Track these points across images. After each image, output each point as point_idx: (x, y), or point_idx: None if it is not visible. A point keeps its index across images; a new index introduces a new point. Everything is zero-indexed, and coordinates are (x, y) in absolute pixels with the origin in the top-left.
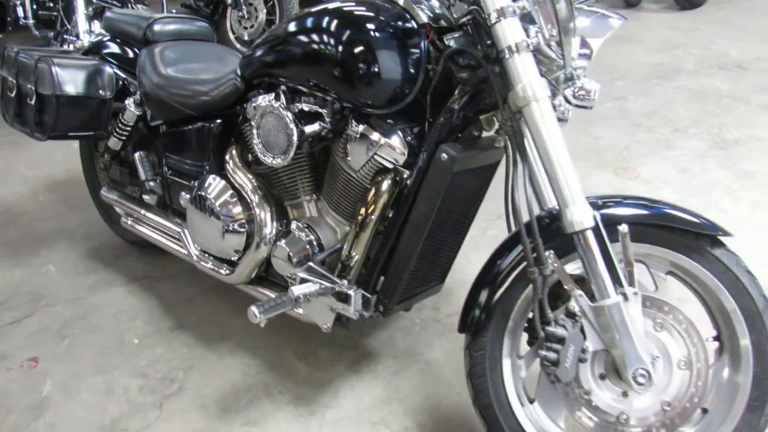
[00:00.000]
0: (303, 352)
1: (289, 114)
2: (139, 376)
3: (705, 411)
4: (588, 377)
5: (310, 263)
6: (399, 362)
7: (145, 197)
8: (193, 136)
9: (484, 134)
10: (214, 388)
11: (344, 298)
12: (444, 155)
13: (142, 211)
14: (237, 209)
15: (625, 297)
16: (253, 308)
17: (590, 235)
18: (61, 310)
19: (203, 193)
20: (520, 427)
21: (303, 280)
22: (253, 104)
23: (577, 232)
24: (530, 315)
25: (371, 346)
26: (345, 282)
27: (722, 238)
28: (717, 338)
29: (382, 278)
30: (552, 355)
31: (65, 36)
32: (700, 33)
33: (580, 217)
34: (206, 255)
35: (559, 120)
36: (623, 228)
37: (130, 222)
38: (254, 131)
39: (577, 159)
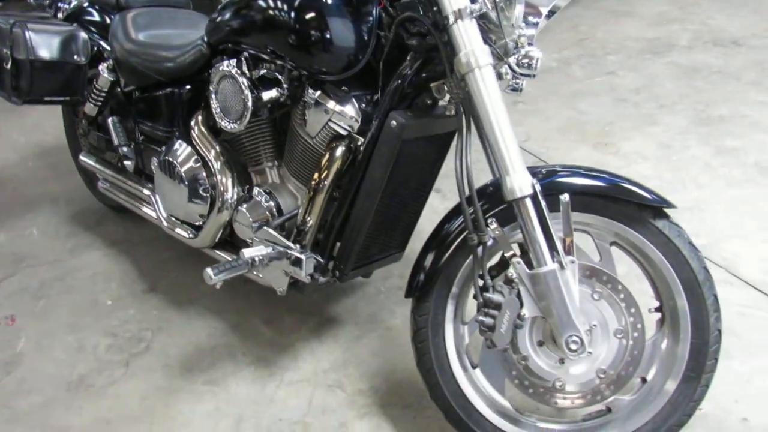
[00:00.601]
0: (268, 317)
1: (245, 80)
2: (109, 335)
3: (644, 381)
4: (526, 343)
5: (265, 227)
6: (360, 328)
7: (126, 163)
8: (163, 102)
9: (442, 103)
10: (179, 348)
11: (296, 262)
12: (393, 122)
13: (117, 176)
14: (201, 175)
15: (562, 265)
16: (209, 270)
17: (528, 203)
18: (40, 271)
19: (170, 159)
20: (461, 391)
21: (258, 244)
22: (213, 70)
23: (516, 200)
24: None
25: (335, 313)
26: (297, 246)
27: (668, 211)
28: (659, 309)
29: (338, 244)
30: (489, 321)
31: (59, 4)
32: (699, 8)
33: (519, 184)
34: (174, 219)
35: (513, 89)
36: (564, 197)
37: (106, 186)
38: (213, 96)
39: (558, 133)
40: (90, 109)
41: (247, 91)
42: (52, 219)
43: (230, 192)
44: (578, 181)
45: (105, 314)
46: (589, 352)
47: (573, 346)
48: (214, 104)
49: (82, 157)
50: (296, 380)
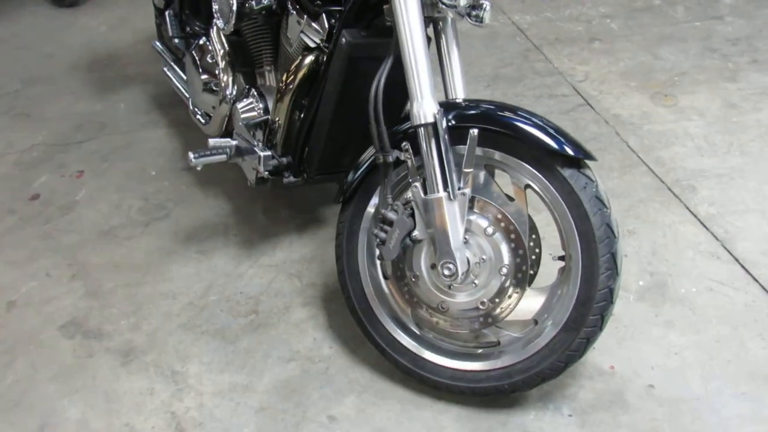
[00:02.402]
0: (268, 207)
1: None
2: (143, 199)
3: (536, 323)
4: (420, 263)
5: (241, 124)
6: None
7: (177, 53)
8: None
9: None
10: (189, 220)
11: (257, 158)
12: (343, 39)
13: (172, 65)
14: (213, 70)
15: (450, 195)
16: (190, 153)
17: (429, 130)
18: (114, 139)
19: (194, 53)
20: (365, 297)
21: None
22: None
23: (418, 126)
24: None
25: (325, 215)
26: (260, 145)
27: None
28: (563, 258)
29: (307, 149)
30: (382, 235)
31: None
32: None
33: (423, 111)
34: (195, 108)
35: (476, 23)
36: (473, 132)
37: (167, 71)
38: None
39: (621, 77)
40: (158, 1)
41: None
42: (138, 96)
43: (230, 89)
44: (488, 117)
45: (146, 182)
46: (474, 283)
47: (446, 272)
48: (214, 5)
49: (153, 43)
50: (267, 264)
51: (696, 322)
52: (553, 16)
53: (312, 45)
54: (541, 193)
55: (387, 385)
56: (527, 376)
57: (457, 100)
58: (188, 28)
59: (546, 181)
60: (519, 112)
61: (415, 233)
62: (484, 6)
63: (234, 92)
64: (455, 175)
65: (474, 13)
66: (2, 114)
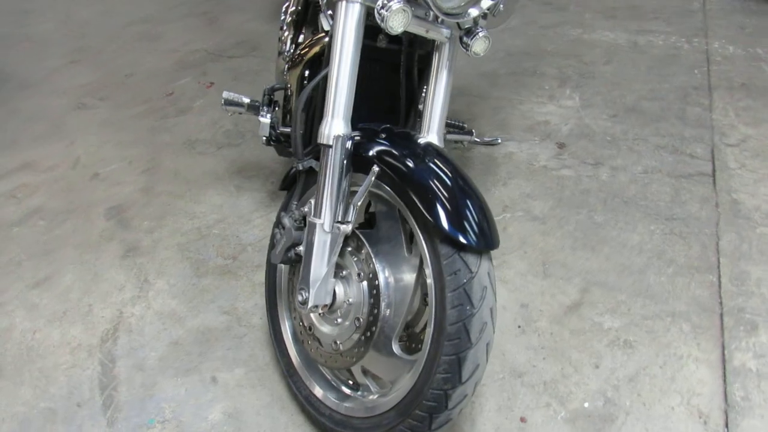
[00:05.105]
0: None
1: None
2: (233, 124)
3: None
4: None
5: (266, 86)
6: None
7: None
8: None
9: None
10: (250, 156)
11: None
12: None
13: None
14: (286, 33)
15: (325, 226)
16: (224, 93)
17: (328, 152)
18: (254, 62)
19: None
20: (274, 285)
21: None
22: None
23: (321, 144)
24: None
25: None
26: (265, 109)
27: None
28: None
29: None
30: (276, 237)
31: None
32: None
33: (328, 131)
34: None
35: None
36: (375, 168)
37: None
38: None
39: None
40: None
41: None
42: None
43: (287, 45)
44: (393, 160)
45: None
46: (337, 321)
47: (299, 297)
48: None
49: None
50: (273, 220)
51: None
52: (765, 54)
53: (327, 28)
54: (424, 255)
55: (275, 377)
56: None
57: (380, 131)
58: None
59: (425, 247)
60: (433, 164)
61: (299, 248)
62: (477, 33)
63: (289, 50)
64: (341, 206)
65: (464, 40)
66: (199, 15)
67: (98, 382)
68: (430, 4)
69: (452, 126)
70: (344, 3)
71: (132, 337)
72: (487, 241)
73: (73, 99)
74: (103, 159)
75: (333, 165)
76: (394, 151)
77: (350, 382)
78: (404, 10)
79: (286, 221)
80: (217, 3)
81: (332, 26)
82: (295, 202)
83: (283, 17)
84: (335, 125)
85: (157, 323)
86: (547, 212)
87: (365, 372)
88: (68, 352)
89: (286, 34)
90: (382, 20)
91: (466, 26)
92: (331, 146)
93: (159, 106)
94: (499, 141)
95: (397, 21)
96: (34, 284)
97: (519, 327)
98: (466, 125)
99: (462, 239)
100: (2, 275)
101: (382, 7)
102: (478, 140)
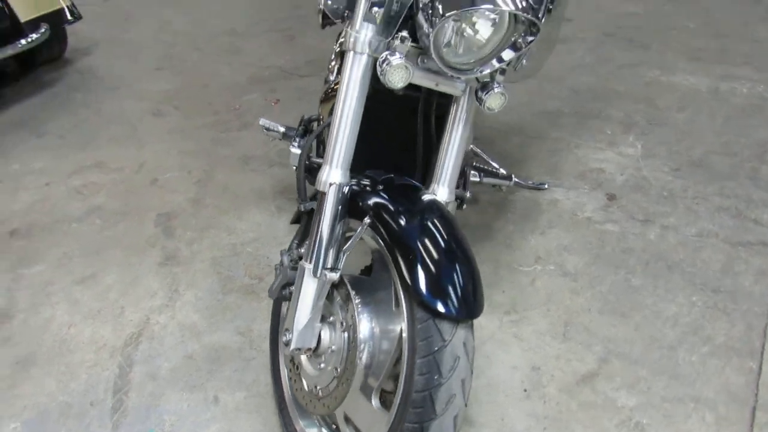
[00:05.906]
0: None
1: None
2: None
3: None
4: None
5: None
6: None
7: None
8: None
9: None
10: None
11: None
12: None
13: None
14: (333, 63)
15: (314, 272)
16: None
17: (323, 199)
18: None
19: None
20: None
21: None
22: None
23: (318, 191)
24: None
25: None
26: (297, 140)
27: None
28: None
29: None
30: (276, 273)
31: None
32: None
33: (325, 178)
34: None
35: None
36: (366, 219)
37: None
38: None
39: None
40: None
41: None
42: None
43: (333, 76)
44: (386, 215)
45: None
46: (320, 366)
47: (284, 338)
48: None
49: None
50: None
51: None
52: None
53: None
54: (403, 315)
55: (271, 406)
56: None
57: (381, 180)
58: None
59: (405, 308)
60: (428, 223)
61: (292, 288)
62: (493, 89)
63: (330, 81)
64: (331, 252)
65: (479, 94)
66: (279, 32)
67: (113, 384)
68: (436, 59)
69: (485, 170)
70: (351, 53)
71: (152, 345)
72: (467, 310)
73: (151, 105)
74: (165, 166)
75: (326, 212)
76: (389, 205)
77: (334, 426)
78: (405, 67)
79: (284, 259)
80: (298, 20)
81: (341, 75)
82: (296, 242)
83: (335, 45)
84: (332, 173)
85: (177, 334)
86: (581, 269)
87: (347, 420)
88: (94, 351)
89: (333, 63)
90: (383, 75)
91: (484, 80)
92: (326, 193)
93: (225, 119)
94: (546, 186)
95: (396, 77)
96: (80, 280)
97: (525, 391)
98: (503, 170)
99: (439, 306)
100: (55, 267)
101: (383, 62)
102: (522, 183)
